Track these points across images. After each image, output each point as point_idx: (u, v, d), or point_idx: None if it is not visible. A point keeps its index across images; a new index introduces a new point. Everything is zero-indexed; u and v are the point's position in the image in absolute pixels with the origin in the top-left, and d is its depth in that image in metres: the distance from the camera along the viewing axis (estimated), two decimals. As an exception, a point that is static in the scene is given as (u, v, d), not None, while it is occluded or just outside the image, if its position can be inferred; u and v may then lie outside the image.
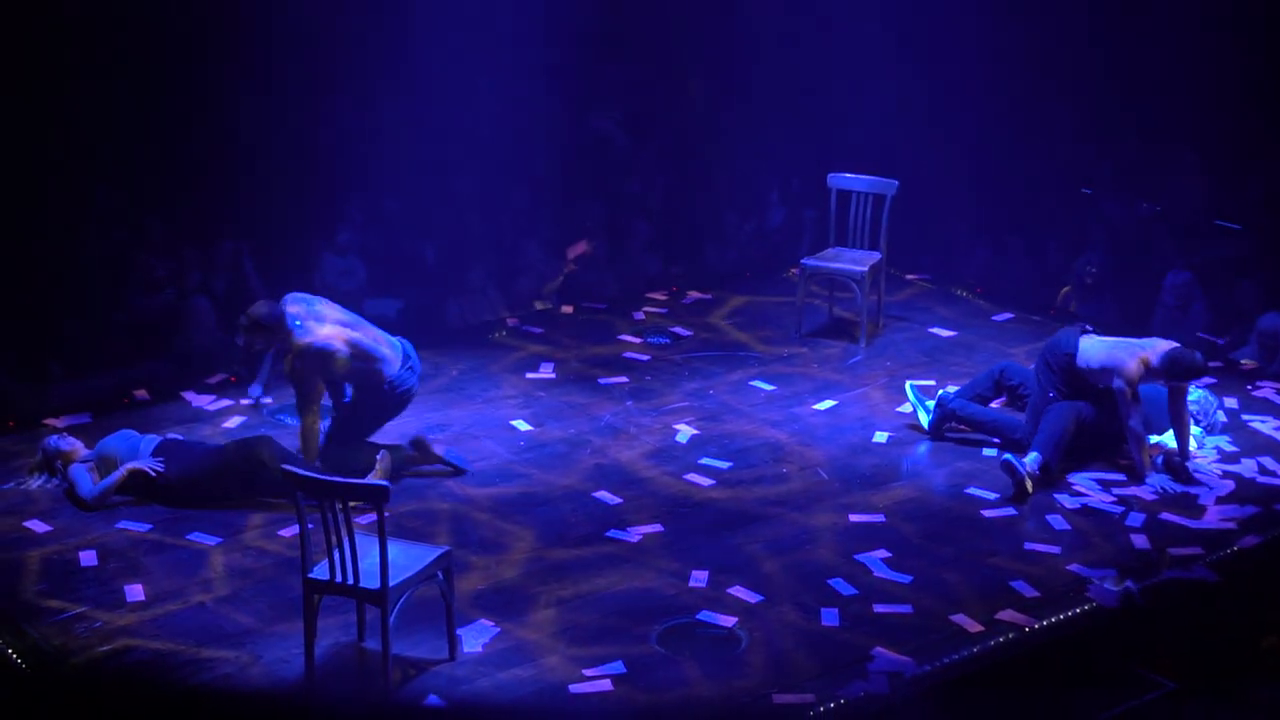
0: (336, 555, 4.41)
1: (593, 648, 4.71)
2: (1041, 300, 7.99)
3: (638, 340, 7.09)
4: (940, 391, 6.14)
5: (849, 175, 7.16)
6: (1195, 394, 6.10)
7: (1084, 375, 5.79)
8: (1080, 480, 5.77)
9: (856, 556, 5.23)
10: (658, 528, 5.42)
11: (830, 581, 5.08)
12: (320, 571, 4.48)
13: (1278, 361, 6.82)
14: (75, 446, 5.57)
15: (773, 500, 5.62)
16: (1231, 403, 6.37)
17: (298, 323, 5.40)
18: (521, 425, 6.19)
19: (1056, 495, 5.66)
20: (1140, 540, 5.38)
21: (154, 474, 5.42)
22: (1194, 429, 5.95)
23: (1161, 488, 5.69)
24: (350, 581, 4.42)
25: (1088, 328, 5.97)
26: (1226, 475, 5.82)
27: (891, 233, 7.13)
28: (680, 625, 4.84)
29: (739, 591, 5.02)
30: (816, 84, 9.46)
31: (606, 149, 9.29)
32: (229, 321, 7.13)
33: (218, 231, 7.82)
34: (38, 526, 5.35)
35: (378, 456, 5.53)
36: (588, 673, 4.59)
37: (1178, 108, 8.74)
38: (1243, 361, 6.90)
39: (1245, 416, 6.31)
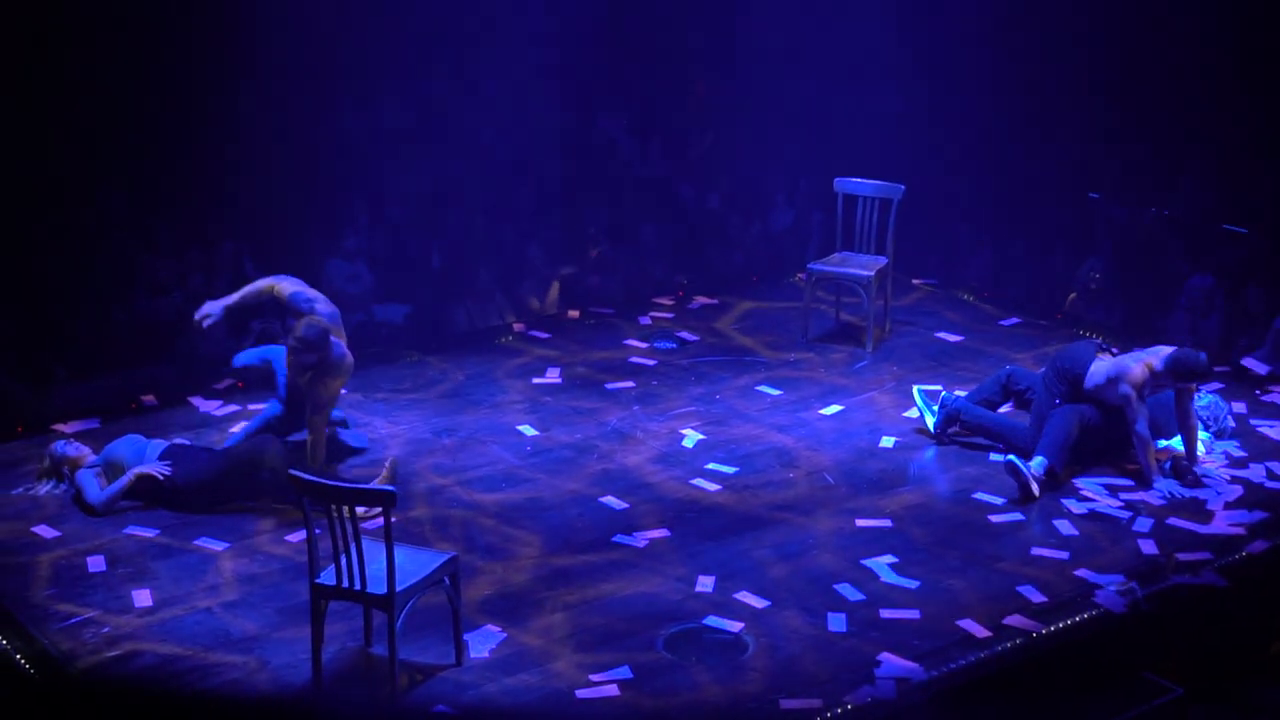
0: (343, 560, 4.41)
1: (599, 653, 4.71)
2: (1048, 305, 7.98)
3: (644, 345, 7.09)
4: (944, 394, 6.13)
5: (855, 180, 7.16)
6: (1204, 399, 6.08)
7: (1091, 395, 5.78)
8: (1088, 485, 5.76)
9: (863, 562, 5.23)
10: (664, 533, 5.42)
11: (837, 587, 5.07)
12: (327, 577, 4.48)
13: None
14: (82, 452, 5.59)
15: (779, 505, 5.62)
16: (1240, 408, 6.35)
17: (332, 336, 5.44)
18: (528, 430, 6.19)
19: (1064, 500, 5.65)
20: (1148, 545, 5.37)
21: (161, 478, 5.43)
22: (1202, 434, 5.94)
23: (1169, 493, 5.67)
24: (357, 587, 4.43)
25: (1104, 346, 5.95)
26: (1235, 480, 5.81)
27: (898, 237, 7.13)
28: (687, 630, 4.84)
29: (745, 596, 5.01)
30: (823, 88, 9.46)
31: (613, 153, 9.30)
32: (235, 327, 7.14)
33: (222, 235, 7.84)
34: (46, 532, 5.36)
35: (386, 462, 5.55)
36: (594, 678, 4.59)
37: (1185, 111, 8.72)
38: (1249, 364, 6.88)
39: (1254, 421, 6.29)
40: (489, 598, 4.99)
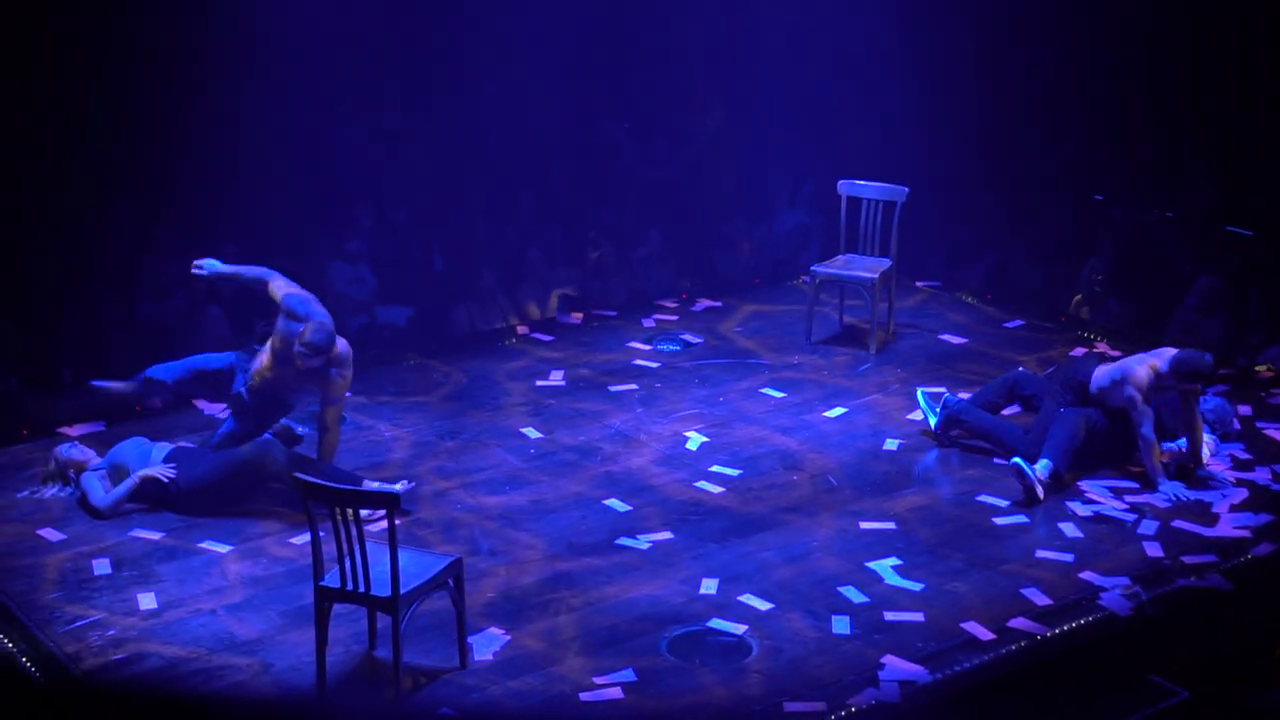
0: (348, 563, 4.42)
1: (603, 656, 4.71)
2: (1052, 307, 7.97)
3: (648, 347, 7.10)
4: (945, 396, 6.13)
5: (859, 182, 7.16)
6: (1210, 402, 6.07)
7: (1097, 398, 5.78)
8: (1092, 487, 5.75)
9: (867, 564, 5.22)
10: (668, 535, 5.42)
11: (841, 589, 5.07)
12: (332, 579, 4.48)
13: None
14: (87, 455, 5.59)
15: (783, 507, 5.62)
16: (1245, 410, 6.34)
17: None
18: (531, 433, 6.20)
19: (1068, 502, 5.64)
20: (1153, 548, 5.36)
21: (166, 481, 5.44)
22: (1206, 436, 5.93)
23: (1175, 495, 5.66)
24: (361, 589, 4.43)
25: (1100, 346, 5.95)
26: (1240, 483, 5.80)
27: (902, 240, 7.13)
28: (691, 633, 4.84)
29: (749, 599, 5.01)
30: (826, 90, 9.46)
31: (615, 155, 9.30)
32: (241, 329, 7.15)
33: (225, 238, 7.84)
34: (51, 535, 5.37)
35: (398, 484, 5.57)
36: (598, 680, 4.59)
37: (1189, 113, 8.72)
38: (1258, 368, 6.87)
39: (1259, 424, 6.28)
40: (493, 600, 4.99)
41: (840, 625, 4.87)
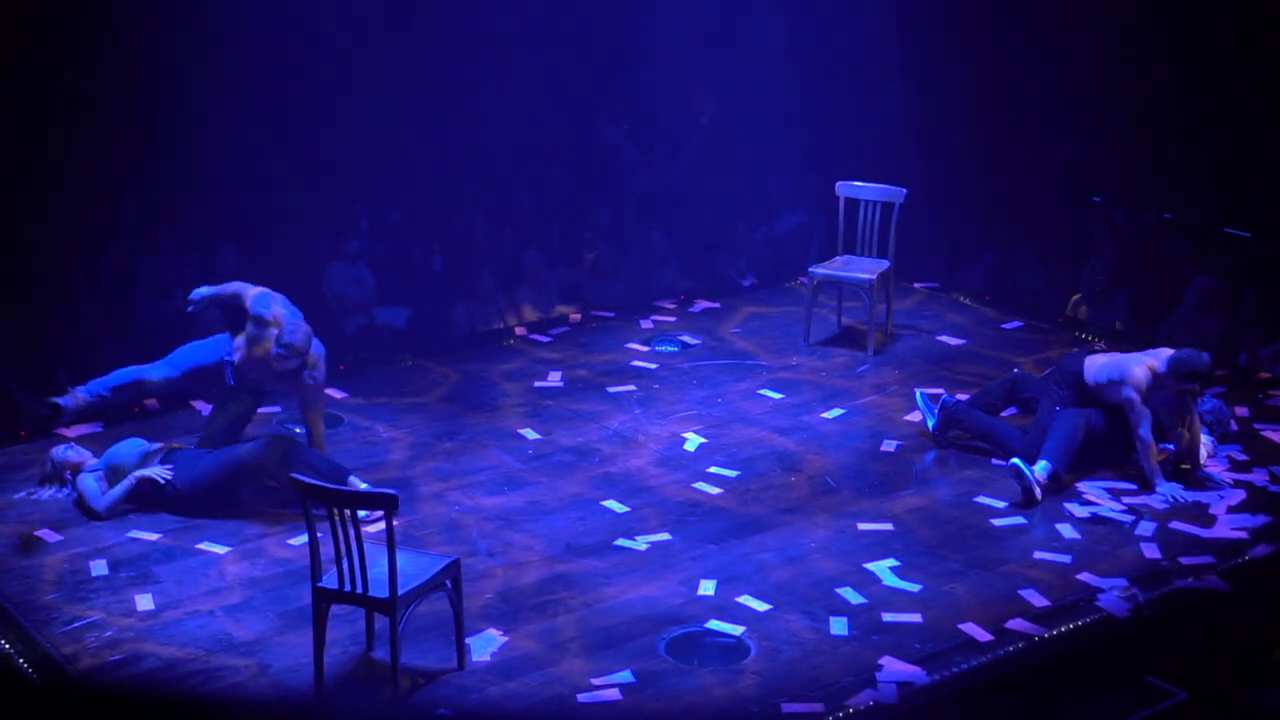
0: (345, 564, 4.42)
1: (601, 657, 4.71)
2: (1050, 308, 7.98)
3: (646, 348, 7.10)
4: (943, 397, 6.13)
5: (857, 184, 7.16)
6: (1207, 404, 6.07)
7: (1094, 392, 5.78)
8: (1090, 489, 5.75)
9: (865, 565, 5.23)
10: (666, 536, 5.42)
11: (839, 590, 5.07)
12: (329, 580, 4.48)
13: None
14: (83, 456, 5.59)
15: (781, 508, 5.62)
16: (1243, 411, 6.34)
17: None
18: (529, 434, 6.20)
19: (1066, 504, 5.64)
20: (1151, 549, 5.37)
21: (163, 482, 5.43)
22: (1204, 437, 5.93)
23: (1172, 496, 5.67)
24: (359, 590, 4.43)
25: (1098, 346, 5.96)
26: (1238, 484, 5.80)
27: (900, 241, 7.13)
28: (689, 634, 4.84)
29: (747, 600, 5.01)
30: (824, 92, 9.47)
31: (614, 156, 9.30)
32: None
33: (224, 239, 7.85)
34: (48, 536, 5.37)
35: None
36: (596, 682, 4.59)
37: (1188, 115, 8.72)
38: (1263, 371, 6.88)
39: (1257, 425, 6.28)
40: (490, 601, 4.99)
41: (838, 626, 4.87)
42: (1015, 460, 5.63)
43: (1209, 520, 5.56)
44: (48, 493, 5.58)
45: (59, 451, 5.61)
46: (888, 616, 4.92)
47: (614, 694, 4.54)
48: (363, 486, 5.35)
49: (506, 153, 8.96)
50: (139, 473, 5.44)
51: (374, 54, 8.77)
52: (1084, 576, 5.17)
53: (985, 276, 8.47)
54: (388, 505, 4.39)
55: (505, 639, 4.79)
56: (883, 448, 6.10)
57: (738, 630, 4.85)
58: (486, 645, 4.75)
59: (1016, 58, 9.10)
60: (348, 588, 4.44)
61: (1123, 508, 5.64)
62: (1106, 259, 8.14)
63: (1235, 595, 5.13)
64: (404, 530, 5.29)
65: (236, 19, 8.12)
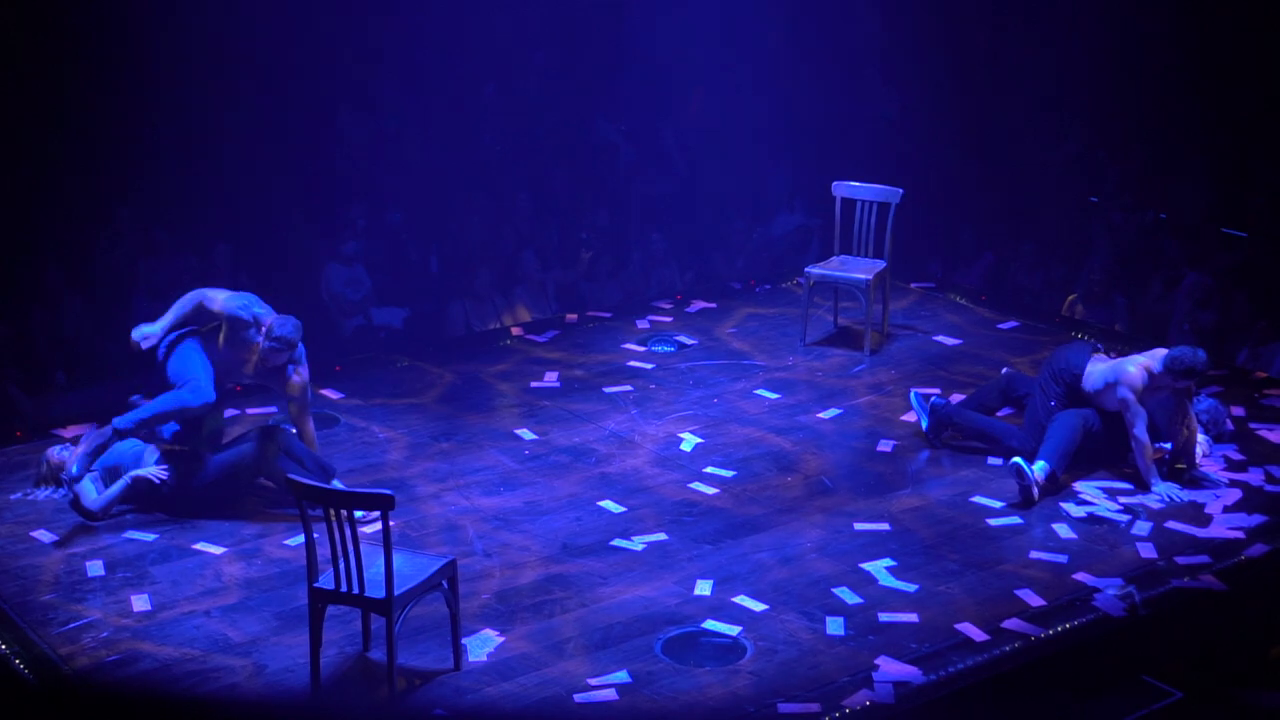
0: (341, 564, 4.42)
1: (598, 657, 4.71)
2: (1047, 308, 7.98)
3: (642, 348, 7.10)
4: (933, 398, 6.13)
5: (853, 183, 7.16)
6: (1203, 403, 6.08)
7: (1090, 397, 5.78)
8: (1086, 489, 5.76)
9: (861, 565, 5.23)
10: (662, 536, 5.42)
11: (835, 590, 5.07)
12: (326, 581, 4.48)
13: None
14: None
15: (777, 509, 5.62)
16: (1238, 411, 6.35)
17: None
18: (526, 434, 6.20)
19: (1062, 504, 5.65)
20: (1147, 549, 5.37)
21: (158, 481, 5.43)
22: (1200, 437, 5.94)
23: (1168, 496, 5.67)
24: (355, 591, 4.43)
25: (1099, 347, 5.95)
26: (1234, 484, 5.81)
27: (896, 241, 7.13)
28: (685, 634, 4.84)
29: (744, 600, 5.01)
30: (822, 93, 9.48)
31: (611, 157, 9.30)
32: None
33: (221, 240, 7.85)
34: (45, 537, 5.36)
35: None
36: (592, 682, 4.59)
37: (1184, 116, 8.73)
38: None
39: (1253, 425, 6.29)
40: (487, 602, 4.99)
41: (834, 626, 4.87)
42: (1017, 460, 5.63)
43: (1205, 520, 5.56)
44: (44, 493, 5.58)
45: (54, 452, 5.60)
46: (884, 616, 4.93)
47: (610, 694, 4.54)
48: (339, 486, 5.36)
49: (506, 153, 8.96)
50: (135, 473, 5.44)
51: (371, 54, 8.77)
52: (1080, 576, 5.18)
53: (982, 277, 8.47)
54: (384, 505, 4.39)
55: (502, 639, 4.79)
56: (879, 448, 6.10)
57: (734, 630, 4.85)
58: (483, 646, 4.75)
59: (1014, 58, 9.11)
60: (344, 588, 4.44)
61: (1119, 507, 5.64)
62: (1103, 259, 8.16)
63: (1231, 595, 5.13)
64: (400, 531, 5.29)
65: (233, 20, 8.12)
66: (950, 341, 7.22)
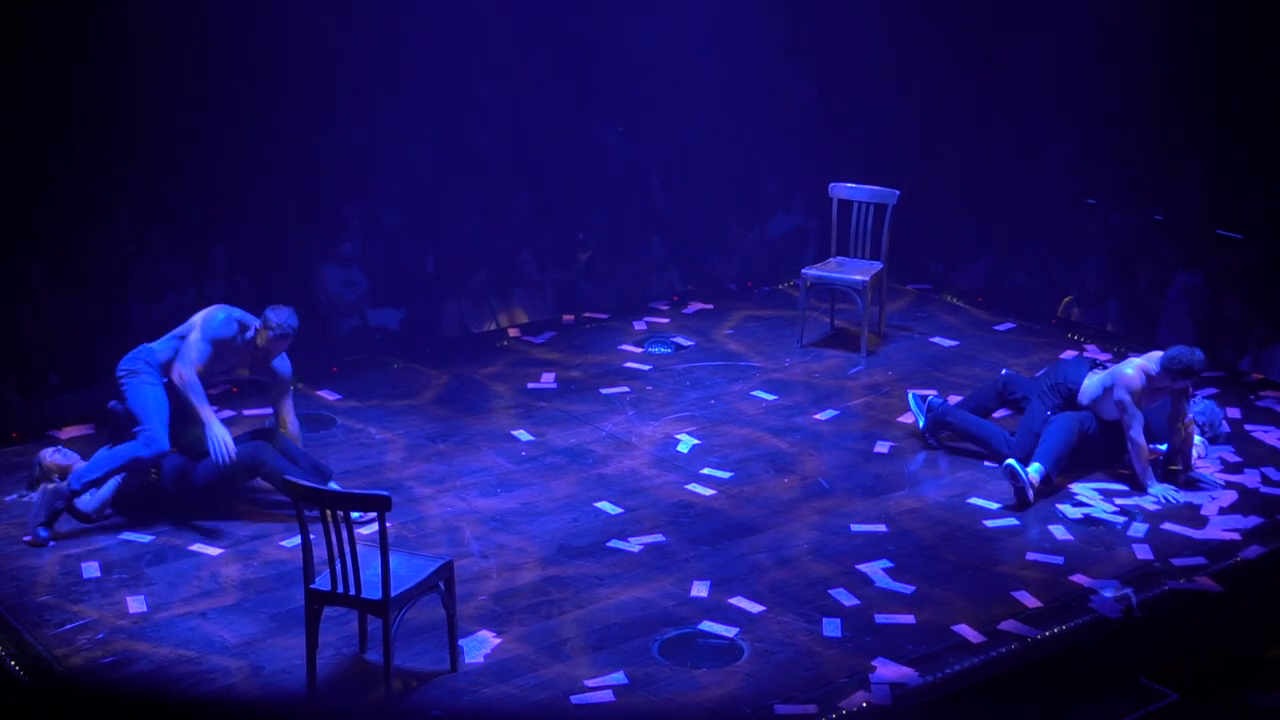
0: (338, 566, 4.41)
1: (594, 658, 4.71)
2: (1044, 309, 7.99)
3: (639, 350, 7.10)
4: (931, 397, 6.14)
5: (850, 185, 7.17)
6: (1199, 404, 6.09)
7: (1086, 409, 5.79)
8: (1082, 490, 5.76)
9: (858, 567, 5.23)
10: (659, 538, 5.42)
11: (832, 592, 5.08)
12: (322, 582, 4.48)
13: None
14: (71, 459, 5.57)
15: (774, 510, 5.62)
16: (1234, 413, 6.36)
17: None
18: (522, 435, 6.19)
19: (1058, 505, 5.65)
20: (1143, 551, 5.38)
21: (150, 481, 5.42)
22: (1196, 438, 5.95)
23: (1164, 498, 5.68)
24: (352, 592, 4.43)
25: (1099, 363, 5.97)
26: (1229, 485, 5.82)
27: (893, 242, 7.14)
28: (682, 636, 4.84)
29: (740, 601, 5.02)
30: (819, 94, 9.48)
31: (608, 158, 9.30)
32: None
33: (216, 242, 7.84)
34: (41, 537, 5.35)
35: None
36: (589, 683, 4.59)
37: (1181, 119, 8.75)
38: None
39: (1248, 426, 6.30)
40: (484, 603, 4.99)
41: (831, 628, 4.87)
42: (1010, 461, 5.64)
43: (1201, 521, 5.57)
44: (38, 496, 5.56)
45: (48, 454, 5.59)
46: (881, 618, 4.93)
47: (607, 695, 4.54)
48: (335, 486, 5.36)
49: (500, 154, 8.96)
50: (125, 474, 5.42)
51: (368, 55, 8.76)
52: (1076, 578, 5.18)
53: (978, 278, 8.48)
54: (381, 507, 4.38)
55: (498, 641, 4.79)
56: (876, 449, 6.10)
57: (731, 632, 4.85)
58: (479, 647, 4.75)
59: (1010, 60, 9.12)
60: (340, 589, 4.44)
61: (1115, 509, 5.65)
62: (1100, 261, 8.17)
63: (1227, 596, 5.14)
64: (397, 532, 5.28)
65: (230, 21, 8.11)
66: (947, 343, 7.23)
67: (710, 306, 7.66)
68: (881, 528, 5.50)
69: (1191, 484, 5.77)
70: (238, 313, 5.49)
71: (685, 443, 6.13)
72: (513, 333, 7.36)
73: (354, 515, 4.49)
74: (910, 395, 6.28)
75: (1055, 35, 9.01)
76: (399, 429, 6.24)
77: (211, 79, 8.15)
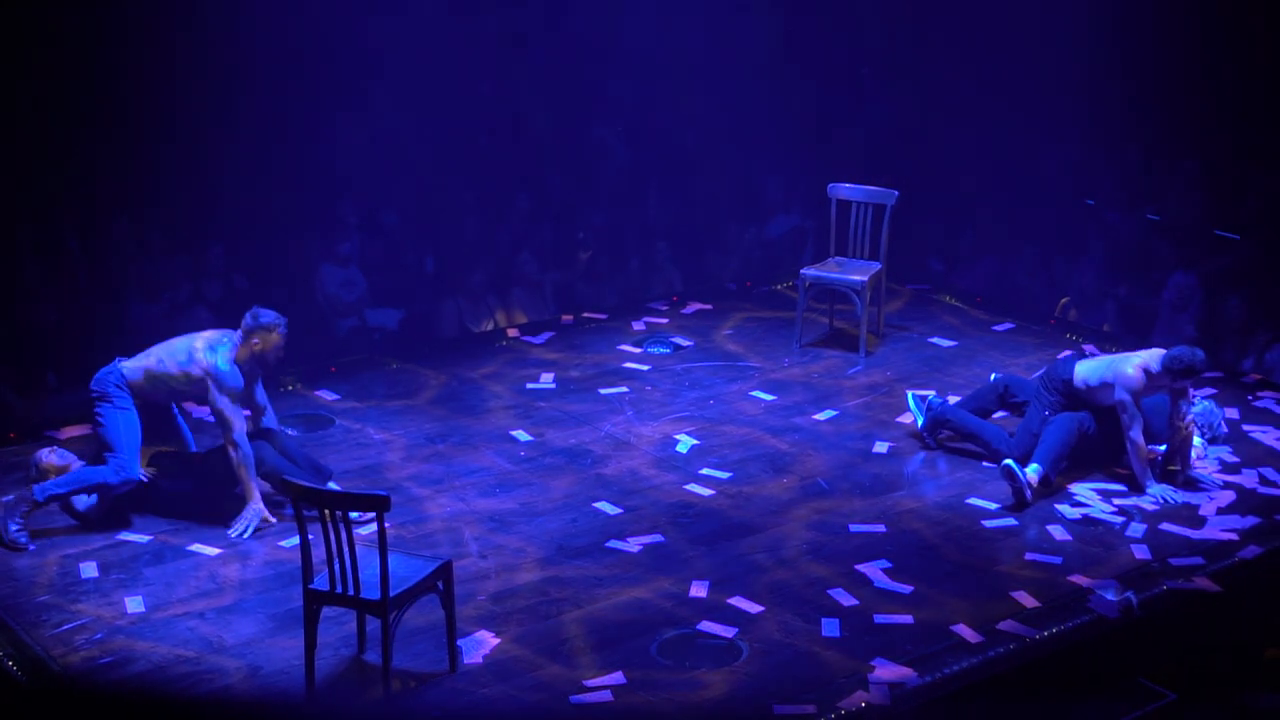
0: (336, 566, 4.41)
1: (593, 659, 4.71)
2: (1042, 310, 8.00)
3: (638, 350, 7.10)
4: (930, 397, 6.14)
5: (848, 185, 7.17)
6: (1198, 405, 6.10)
7: (1084, 396, 5.79)
8: (1081, 490, 5.77)
9: (857, 567, 5.23)
10: (658, 538, 5.42)
11: (830, 592, 5.08)
12: (321, 582, 4.48)
13: None
14: (67, 460, 5.55)
15: (773, 510, 5.62)
16: (1232, 413, 6.37)
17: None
18: (521, 435, 6.19)
19: (1057, 505, 5.66)
20: (1141, 551, 5.38)
21: (146, 480, 5.41)
22: (1195, 439, 5.95)
23: (1162, 498, 5.68)
24: (350, 592, 4.42)
25: (1088, 350, 5.97)
26: (1227, 485, 5.82)
27: (892, 243, 7.14)
28: (681, 636, 4.84)
29: (739, 602, 5.01)
30: (818, 94, 9.48)
31: (607, 158, 9.30)
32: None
33: (214, 242, 7.83)
34: (38, 539, 5.34)
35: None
36: (588, 684, 4.59)
37: (1179, 120, 8.75)
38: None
39: (1246, 427, 6.31)
40: (482, 604, 4.99)
41: (830, 628, 4.87)
42: (1008, 461, 5.64)
43: (1199, 522, 5.58)
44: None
45: (44, 455, 5.57)
46: (879, 618, 4.93)
47: (606, 695, 4.54)
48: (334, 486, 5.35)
49: (500, 154, 8.95)
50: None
51: (367, 54, 8.75)
52: (1075, 578, 5.18)
53: (977, 278, 8.48)
54: (380, 507, 4.38)
55: (497, 641, 4.79)
56: (874, 449, 6.11)
57: (730, 632, 4.85)
58: (478, 647, 4.75)
59: (1009, 61, 9.12)
60: (339, 589, 4.43)
61: (1113, 509, 5.66)
62: (1097, 261, 8.17)
63: (1225, 596, 5.14)
64: (396, 532, 5.28)
65: (228, 20, 8.10)
66: (946, 343, 7.23)
67: (709, 307, 7.66)
68: (880, 528, 5.50)
69: (1190, 484, 5.78)
70: (225, 344, 5.33)
71: (684, 443, 6.13)
72: (511, 333, 7.36)
73: (353, 515, 4.48)
74: (909, 395, 6.28)
75: (1054, 35, 9.01)
76: (398, 429, 6.23)
77: (211, 79, 8.14)
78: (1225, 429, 6.19)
